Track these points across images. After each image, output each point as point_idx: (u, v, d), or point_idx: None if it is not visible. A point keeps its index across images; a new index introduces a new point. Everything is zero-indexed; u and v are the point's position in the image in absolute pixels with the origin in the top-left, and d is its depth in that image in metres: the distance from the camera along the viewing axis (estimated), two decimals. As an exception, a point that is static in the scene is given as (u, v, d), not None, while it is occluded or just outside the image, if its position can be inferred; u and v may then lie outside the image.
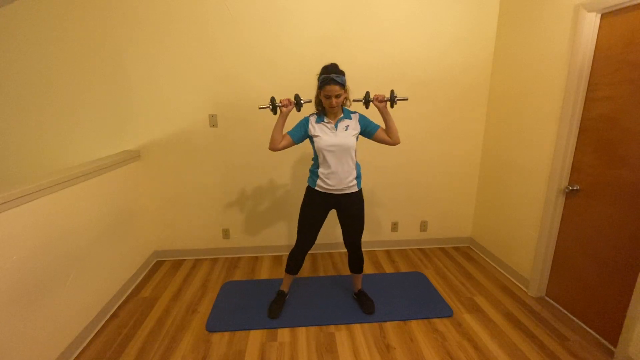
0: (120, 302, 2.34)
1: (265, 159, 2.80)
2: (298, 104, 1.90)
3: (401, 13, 2.62)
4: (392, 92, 1.89)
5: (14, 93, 2.52)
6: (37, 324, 1.62)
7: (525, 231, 2.46)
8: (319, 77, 1.86)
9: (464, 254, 3.05)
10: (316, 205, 2.03)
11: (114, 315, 2.21)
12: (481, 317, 2.16)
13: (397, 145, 2.02)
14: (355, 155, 1.98)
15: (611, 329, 1.87)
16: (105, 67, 2.52)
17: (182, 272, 2.75)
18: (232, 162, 2.80)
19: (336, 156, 1.90)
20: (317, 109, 1.98)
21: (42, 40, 2.44)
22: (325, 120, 1.92)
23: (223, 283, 2.57)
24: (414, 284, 2.54)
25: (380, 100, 1.88)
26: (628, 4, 1.72)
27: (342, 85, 1.81)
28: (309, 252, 3.01)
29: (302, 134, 1.95)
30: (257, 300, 2.32)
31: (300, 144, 2.01)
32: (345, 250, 3.06)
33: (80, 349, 1.90)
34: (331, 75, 1.78)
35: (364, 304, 2.21)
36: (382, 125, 1.97)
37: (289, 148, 1.99)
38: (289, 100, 1.86)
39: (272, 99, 1.86)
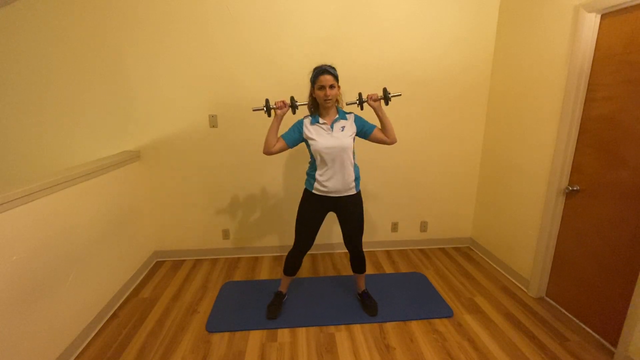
0: (120, 302, 2.34)
1: (265, 159, 2.79)
2: (293, 106, 1.85)
3: (401, 13, 2.62)
4: (384, 89, 1.87)
5: (14, 93, 2.52)
6: (37, 324, 1.62)
7: (525, 231, 2.46)
8: (311, 77, 1.86)
9: (464, 255, 3.05)
10: (314, 208, 2.01)
11: (114, 315, 2.21)
12: (481, 317, 2.16)
13: (397, 145, 2.01)
14: (354, 157, 1.95)
15: (611, 329, 1.87)
16: (105, 67, 2.52)
17: (182, 272, 2.75)
18: (232, 162, 2.80)
19: (334, 158, 1.86)
20: (310, 110, 1.96)
21: (42, 41, 2.44)
22: (320, 121, 1.89)
23: (223, 283, 2.57)
24: (414, 284, 2.54)
25: (374, 99, 1.85)
26: (628, 4, 1.72)
27: (335, 77, 1.82)
28: (309, 252, 3.04)
29: (296, 137, 1.91)
30: (257, 300, 2.32)
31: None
32: (345, 250, 3.07)
33: (80, 349, 1.90)
34: (324, 66, 1.81)
35: (367, 306, 2.20)
36: (378, 125, 1.95)
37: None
38: (283, 102, 1.82)
39: (267, 101, 1.82)
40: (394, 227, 3.11)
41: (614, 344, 1.84)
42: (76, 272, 1.92)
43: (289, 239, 3.02)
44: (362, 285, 2.27)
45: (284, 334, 2.02)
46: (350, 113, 1.98)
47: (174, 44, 2.52)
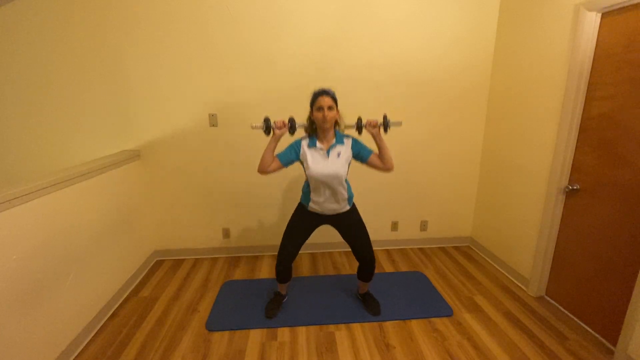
0: (120, 301, 2.34)
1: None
2: (292, 127, 1.82)
3: (401, 13, 2.62)
4: (384, 117, 1.84)
5: (14, 93, 2.52)
6: (37, 324, 1.62)
7: (525, 230, 2.46)
8: (310, 100, 1.84)
9: (464, 254, 3.05)
10: (306, 222, 2.03)
11: (114, 314, 2.21)
12: (481, 316, 2.16)
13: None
14: (346, 180, 1.93)
15: (611, 329, 1.87)
16: (106, 67, 2.52)
17: (182, 271, 2.75)
18: (232, 162, 2.80)
19: (327, 184, 1.87)
20: (308, 131, 1.92)
21: (42, 40, 2.44)
22: (317, 145, 1.87)
23: (223, 283, 2.58)
24: (414, 283, 2.54)
25: (373, 125, 1.82)
26: (628, 4, 1.72)
27: (334, 99, 1.80)
28: (309, 252, 3.05)
29: (292, 158, 1.88)
30: (257, 299, 2.32)
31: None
32: (345, 249, 3.07)
33: (80, 349, 1.90)
34: (322, 88, 1.82)
35: (369, 305, 2.20)
36: (376, 150, 1.90)
37: (289, 144, 1.95)
38: (283, 122, 1.79)
39: (266, 120, 1.78)
40: (394, 226, 3.11)
41: (614, 343, 1.84)
42: (76, 272, 1.92)
43: (289, 239, 3.02)
44: (365, 289, 2.27)
45: (284, 333, 2.02)
46: (348, 137, 1.93)
47: (174, 43, 2.52)
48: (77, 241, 1.94)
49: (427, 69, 2.74)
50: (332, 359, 1.83)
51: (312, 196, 1.94)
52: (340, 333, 2.02)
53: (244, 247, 3.03)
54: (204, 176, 2.81)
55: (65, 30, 2.44)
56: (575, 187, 2.07)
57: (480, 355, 1.84)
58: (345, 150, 1.89)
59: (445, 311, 2.20)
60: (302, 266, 2.82)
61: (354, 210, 2.06)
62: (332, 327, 2.07)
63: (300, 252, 2.12)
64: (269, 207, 2.94)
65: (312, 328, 2.06)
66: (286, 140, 1.92)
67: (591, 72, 1.95)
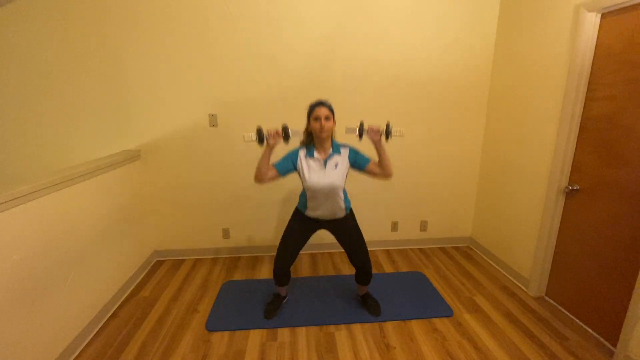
0: (120, 301, 2.34)
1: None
2: (286, 135, 1.78)
3: (401, 13, 2.62)
4: (387, 124, 1.80)
5: (14, 93, 2.52)
6: (37, 324, 1.62)
7: (525, 231, 2.46)
8: (307, 110, 1.84)
9: (464, 254, 3.05)
10: (303, 227, 2.03)
11: (114, 315, 2.21)
12: (481, 316, 2.16)
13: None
14: (343, 189, 1.93)
15: (611, 329, 1.87)
16: (105, 67, 2.52)
17: (182, 271, 2.75)
18: (232, 162, 2.80)
19: (324, 194, 1.87)
20: (305, 142, 1.90)
21: (42, 40, 2.44)
22: (315, 155, 1.86)
23: (223, 283, 2.58)
24: (414, 283, 2.54)
25: (375, 131, 1.78)
26: (628, 4, 1.72)
27: (331, 109, 1.80)
28: (309, 252, 3.05)
29: (289, 167, 1.87)
30: (257, 300, 2.32)
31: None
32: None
33: (80, 348, 1.90)
34: (319, 100, 1.82)
35: (370, 306, 2.20)
36: (373, 157, 1.88)
37: (289, 144, 1.93)
38: (277, 131, 1.76)
39: (259, 130, 1.74)
40: (394, 226, 3.11)
41: (614, 343, 1.84)
42: (76, 272, 1.92)
43: (289, 239, 3.02)
44: (364, 291, 2.26)
45: (284, 333, 2.02)
46: (345, 146, 1.92)
47: (174, 43, 2.52)
48: (77, 241, 1.94)
49: (427, 69, 2.74)
50: (332, 359, 1.83)
51: (309, 204, 1.95)
52: (340, 333, 2.02)
53: (244, 248, 3.03)
54: (204, 176, 2.81)
55: (65, 30, 2.43)
56: (575, 188, 2.07)
57: (481, 356, 1.84)
58: (342, 160, 1.88)
59: (445, 311, 2.20)
60: (302, 267, 2.82)
61: (350, 216, 2.06)
62: (332, 328, 2.07)
63: (300, 252, 2.12)
64: (268, 207, 2.94)
65: (312, 328, 2.06)
66: (283, 149, 1.90)
67: (591, 72, 1.95)
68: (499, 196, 2.78)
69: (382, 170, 1.85)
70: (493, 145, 2.84)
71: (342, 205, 1.94)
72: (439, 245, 3.20)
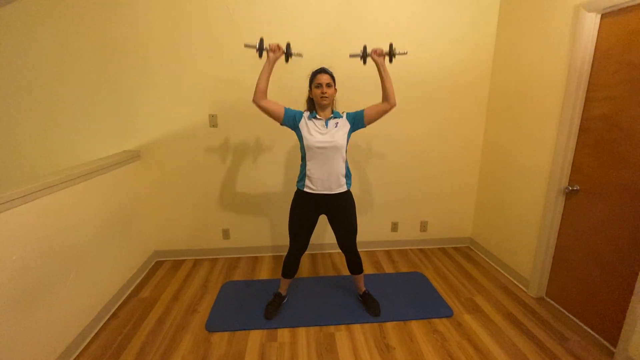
0: (120, 302, 2.34)
1: (266, 158, 2.80)
2: (288, 53, 1.76)
3: (401, 13, 2.62)
4: (390, 45, 1.82)
5: (14, 93, 2.52)
6: (37, 324, 1.62)
7: (525, 231, 2.46)
8: (309, 78, 1.91)
9: (464, 254, 3.05)
10: (306, 208, 2.01)
11: (114, 315, 2.21)
12: (481, 317, 2.16)
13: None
14: (346, 154, 1.95)
15: (611, 329, 1.87)
16: (106, 67, 2.52)
17: (182, 272, 2.75)
18: (232, 162, 2.80)
19: (326, 154, 1.88)
20: (308, 106, 1.99)
21: (42, 40, 2.44)
22: (316, 117, 1.92)
23: (223, 283, 2.57)
24: (414, 284, 2.54)
25: (378, 54, 1.82)
26: (628, 4, 1.72)
27: (332, 76, 1.86)
28: (309, 252, 3.05)
29: (292, 118, 1.91)
30: (257, 300, 2.32)
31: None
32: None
33: (80, 349, 1.90)
34: (321, 67, 1.87)
35: (370, 306, 2.20)
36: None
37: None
38: (278, 45, 1.76)
39: (261, 40, 1.72)
40: (394, 226, 3.11)
41: (614, 343, 1.84)
42: (76, 272, 1.92)
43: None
44: (362, 287, 2.27)
45: (284, 333, 2.02)
46: (344, 112, 2.00)
47: (174, 43, 2.52)
48: (77, 241, 1.94)
49: (427, 69, 2.75)
50: (332, 359, 1.83)
51: (309, 170, 1.91)
52: (340, 334, 2.02)
53: (244, 248, 3.02)
54: (204, 176, 2.81)
55: (66, 31, 2.43)
56: (575, 188, 2.07)
57: (481, 356, 1.84)
58: (343, 122, 1.93)
59: (445, 312, 2.20)
60: (302, 267, 2.82)
61: (350, 196, 2.04)
62: (332, 328, 2.07)
63: (310, 238, 2.11)
64: (269, 207, 2.94)
65: (312, 329, 2.06)
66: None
67: (591, 72, 1.95)
68: (499, 196, 2.78)
69: (386, 97, 1.87)
70: (493, 146, 2.84)
71: (343, 170, 1.94)
72: (439, 246, 3.20)
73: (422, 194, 3.05)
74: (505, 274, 2.68)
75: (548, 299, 2.34)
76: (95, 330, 2.05)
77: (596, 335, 1.97)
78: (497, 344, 1.93)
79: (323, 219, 2.26)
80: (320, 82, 1.83)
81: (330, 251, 3.09)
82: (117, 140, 2.66)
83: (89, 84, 2.54)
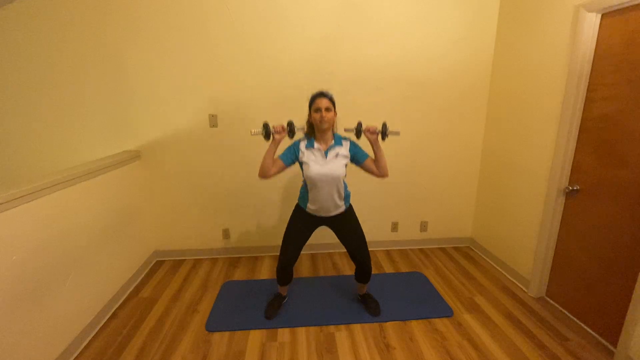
0: (120, 302, 2.34)
1: (265, 159, 2.80)
2: (291, 130, 1.84)
3: (401, 13, 2.62)
4: (384, 124, 1.84)
5: (14, 93, 2.52)
6: (37, 324, 1.62)
7: (525, 231, 2.46)
8: (309, 102, 1.86)
9: (464, 254, 3.05)
10: (304, 224, 2.03)
11: (114, 315, 2.21)
12: (481, 317, 2.16)
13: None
14: (344, 180, 1.95)
15: (611, 329, 1.87)
16: (106, 67, 2.52)
17: (182, 272, 2.75)
18: (232, 162, 2.80)
19: (325, 184, 1.87)
20: (307, 131, 1.93)
21: (42, 40, 2.44)
22: (315, 146, 1.88)
23: (223, 283, 2.57)
24: (414, 284, 2.54)
25: (372, 132, 1.83)
26: (628, 4, 1.72)
27: (332, 101, 1.83)
28: (309, 252, 3.05)
29: (292, 158, 1.90)
30: (257, 300, 2.32)
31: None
32: (345, 250, 3.06)
33: (80, 349, 1.90)
34: (320, 90, 1.84)
35: (370, 307, 2.20)
36: (372, 154, 1.92)
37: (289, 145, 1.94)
38: (282, 127, 1.81)
39: (265, 125, 1.80)
40: (394, 226, 3.11)
41: (614, 343, 1.84)
42: (76, 272, 1.92)
43: (289, 239, 3.02)
44: (363, 290, 2.27)
45: (284, 333, 2.02)
46: (346, 139, 1.95)
47: (174, 43, 2.52)
48: (77, 241, 1.94)
49: (427, 69, 2.74)
50: (332, 359, 1.83)
51: (310, 196, 1.94)
52: (340, 334, 2.02)
53: (244, 248, 3.02)
54: (204, 177, 2.81)
55: (66, 31, 2.44)
56: (575, 188, 2.07)
57: (481, 356, 1.84)
58: (343, 151, 1.91)
59: (445, 312, 2.20)
60: (302, 267, 2.82)
61: (350, 212, 2.06)
62: (332, 328, 2.07)
63: (300, 252, 2.12)
64: (268, 207, 2.94)
65: (312, 329, 2.06)
66: (285, 142, 1.92)
67: (591, 72, 1.95)
68: (499, 196, 2.78)
69: (379, 169, 1.89)
70: (493, 146, 2.84)
71: (342, 195, 1.95)
72: (439, 246, 3.20)
73: (422, 194, 3.05)
74: (506, 274, 2.68)
75: (548, 299, 2.33)
76: (95, 330, 2.06)
77: (596, 335, 1.97)
78: (497, 343, 1.93)
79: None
80: (320, 107, 1.80)
81: (330, 251, 3.09)
82: (117, 140, 2.66)
83: (89, 84, 2.54)
